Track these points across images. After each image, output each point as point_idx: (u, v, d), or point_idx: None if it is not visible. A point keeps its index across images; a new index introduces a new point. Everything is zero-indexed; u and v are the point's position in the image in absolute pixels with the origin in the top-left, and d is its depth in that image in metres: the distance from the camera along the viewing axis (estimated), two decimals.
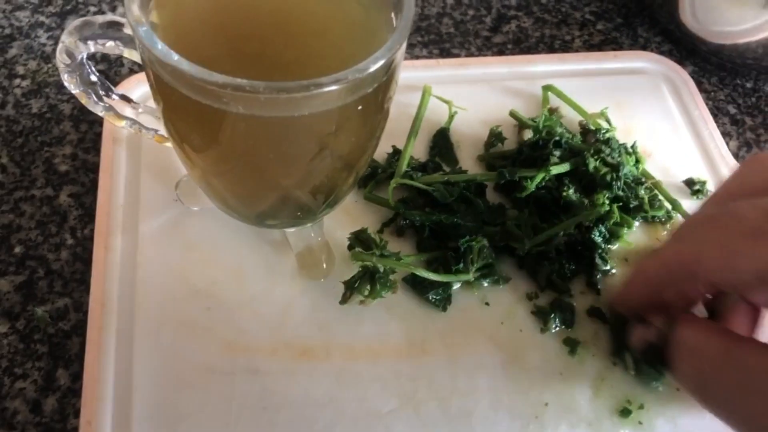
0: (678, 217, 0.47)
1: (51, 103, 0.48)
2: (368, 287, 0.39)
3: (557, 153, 0.45)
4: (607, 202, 0.43)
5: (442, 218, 0.42)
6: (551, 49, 0.57)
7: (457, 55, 0.55)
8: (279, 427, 0.36)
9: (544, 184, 0.44)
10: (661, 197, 0.46)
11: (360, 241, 0.40)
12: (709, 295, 0.35)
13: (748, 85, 0.57)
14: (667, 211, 0.46)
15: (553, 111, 0.49)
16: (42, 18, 0.54)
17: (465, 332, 0.41)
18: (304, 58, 0.33)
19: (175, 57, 0.28)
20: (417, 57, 0.55)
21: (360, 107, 0.31)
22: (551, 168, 0.44)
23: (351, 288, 0.39)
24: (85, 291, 0.40)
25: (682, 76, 0.55)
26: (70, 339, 0.39)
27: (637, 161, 0.47)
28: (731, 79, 0.57)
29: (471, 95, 0.51)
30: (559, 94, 0.51)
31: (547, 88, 0.51)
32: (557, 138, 0.46)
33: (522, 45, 0.57)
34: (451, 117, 0.49)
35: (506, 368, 0.40)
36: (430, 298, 0.41)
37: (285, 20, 0.35)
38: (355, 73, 0.29)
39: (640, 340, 0.36)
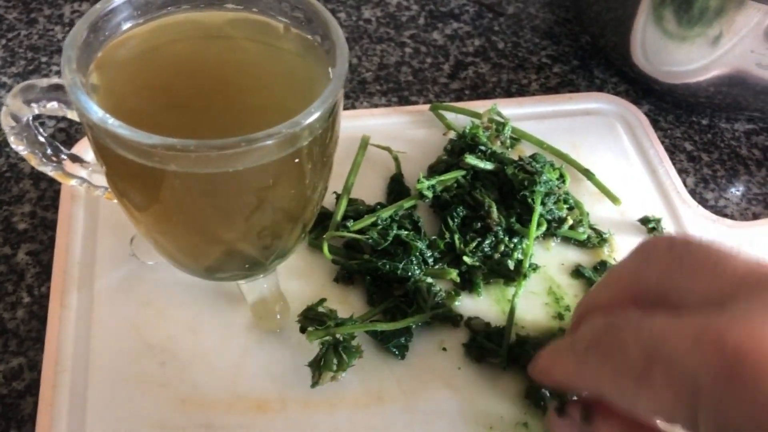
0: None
1: (11, 162, 0.49)
2: (335, 361, 0.39)
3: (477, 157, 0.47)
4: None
5: (379, 265, 0.42)
6: (508, 94, 0.58)
7: (416, 102, 0.56)
8: None
9: (468, 200, 0.46)
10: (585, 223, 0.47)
11: (310, 319, 0.40)
12: None
13: (704, 122, 0.58)
14: (590, 238, 0.47)
15: (489, 125, 0.50)
16: (4, 78, 0.54)
17: (422, 379, 0.41)
18: (246, 114, 0.34)
19: (110, 120, 0.29)
20: (376, 105, 0.56)
21: (297, 160, 0.32)
22: (466, 157, 0.45)
23: (318, 368, 0.39)
24: (40, 349, 0.40)
25: (636, 115, 0.55)
26: (23, 399, 0.39)
27: (562, 177, 0.48)
28: (687, 116, 0.58)
29: (425, 139, 0.52)
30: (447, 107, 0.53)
31: (435, 107, 0.53)
32: (482, 146, 0.47)
33: (479, 90, 0.58)
34: (397, 161, 0.49)
35: (464, 415, 0.39)
36: (391, 348, 0.41)
37: (226, 76, 0.35)
38: (289, 127, 0.29)
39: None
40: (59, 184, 0.47)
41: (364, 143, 0.50)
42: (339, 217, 0.45)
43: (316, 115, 0.30)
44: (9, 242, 0.45)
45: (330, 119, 0.32)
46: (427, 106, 0.53)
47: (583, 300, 0.34)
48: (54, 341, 0.40)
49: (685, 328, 0.25)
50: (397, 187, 0.49)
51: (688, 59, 0.52)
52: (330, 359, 0.39)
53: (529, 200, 0.45)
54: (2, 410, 0.38)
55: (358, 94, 0.57)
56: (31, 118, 0.35)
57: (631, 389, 0.26)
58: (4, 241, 0.45)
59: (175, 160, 0.29)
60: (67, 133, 0.52)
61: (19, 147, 0.36)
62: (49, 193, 0.47)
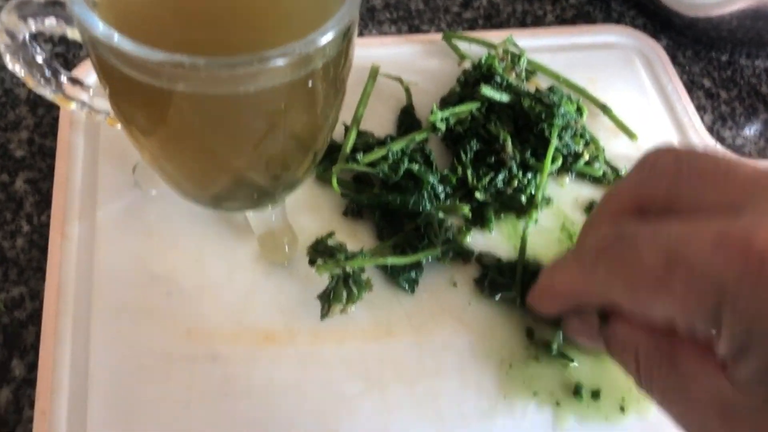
0: None
1: (6, 87, 0.47)
2: (345, 294, 0.38)
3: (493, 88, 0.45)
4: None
5: (389, 199, 0.41)
6: (523, 24, 0.56)
7: (427, 32, 0.54)
8: (241, 414, 0.36)
9: (482, 133, 0.44)
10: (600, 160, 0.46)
11: (319, 252, 0.39)
12: None
13: (724, 58, 0.56)
14: (605, 174, 0.45)
15: (504, 57, 0.48)
16: None
17: (432, 313, 0.40)
18: (257, 31, 0.32)
19: (115, 36, 0.27)
20: (385, 34, 0.54)
21: (310, 84, 0.30)
22: (482, 88, 0.43)
23: (327, 300, 0.38)
24: (41, 279, 0.39)
25: (655, 49, 0.54)
26: (25, 328, 0.38)
27: (579, 110, 0.46)
28: (706, 52, 0.56)
29: (438, 70, 0.50)
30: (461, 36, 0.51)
31: (448, 36, 0.51)
32: (498, 78, 0.45)
33: (493, 20, 0.56)
34: (408, 92, 0.48)
35: (475, 350, 0.39)
36: (401, 282, 0.40)
37: None
38: (303, 46, 0.28)
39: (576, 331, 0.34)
40: (57, 110, 0.46)
41: (374, 73, 0.48)
42: (348, 149, 0.44)
43: (331, 35, 0.28)
44: (6, 169, 0.43)
45: (345, 41, 0.31)
46: (440, 35, 0.51)
47: (588, 219, 0.33)
48: (55, 271, 0.39)
49: (705, 232, 0.24)
50: (407, 120, 0.47)
51: None
52: (339, 292, 0.38)
53: (546, 133, 0.44)
54: (4, 340, 0.38)
55: (366, 21, 0.54)
56: (27, 36, 0.33)
57: (648, 295, 0.25)
58: (1, 168, 0.43)
59: (183, 80, 0.28)
60: (65, 58, 0.49)
61: (15, 67, 0.34)
62: (47, 120, 0.46)
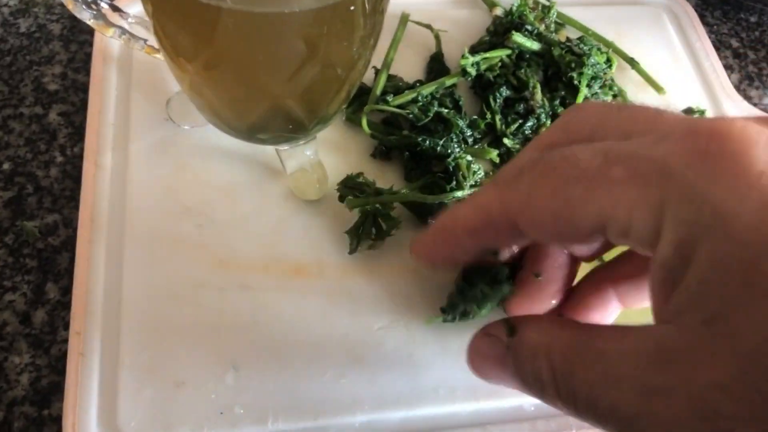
0: None
1: (40, 22, 0.47)
2: (374, 230, 0.38)
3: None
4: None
5: (419, 141, 0.41)
6: None
7: None
8: (269, 340, 0.36)
9: (512, 81, 0.44)
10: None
11: (349, 188, 0.39)
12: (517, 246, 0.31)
13: (752, 19, 0.56)
14: None
15: (534, 7, 0.48)
16: None
17: None
18: None
19: None
20: None
21: (352, 8, 0.30)
22: (513, 35, 0.43)
23: (356, 236, 0.38)
24: (74, 208, 0.40)
25: (684, 7, 0.53)
26: (59, 254, 0.39)
27: (608, 61, 0.46)
28: (735, 12, 0.56)
29: (468, 19, 0.50)
30: None
31: None
32: (528, 26, 0.45)
33: None
34: (437, 39, 0.48)
35: None
36: (429, 221, 0.41)
37: None
38: None
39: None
40: (90, 46, 0.46)
41: (404, 20, 0.48)
42: (378, 91, 0.44)
43: None
44: (40, 102, 0.44)
45: None
46: None
47: (508, 164, 0.29)
48: (89, 199, 0.39)
49: (646, 136, 0.22)
50: (437, 66, 0.47)
51: None
52: (369, 227, 0.38)
53: (576, 82, 0.44)
54: (39, 264, 0.38)
55: None
56: None
57: (581, 195, 0.23)
58: (35, 100, 0.44)
59: None
60: None
61: None
62: (79, 55, 0.46)
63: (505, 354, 0.27)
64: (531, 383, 0.26)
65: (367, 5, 0.31)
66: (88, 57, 0.46)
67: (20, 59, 0.45)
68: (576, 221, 0.23)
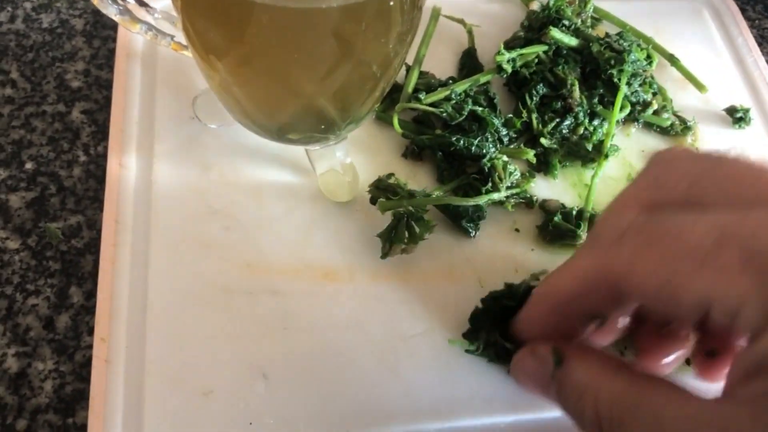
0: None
1: (62, 18, 0.46)
2: (407, 233, 0.37)
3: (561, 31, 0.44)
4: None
5: (453, 140, 0.39)
6: None
7: None
8: (300, 348, 0.35)
9: (548, 78, 0.43)
10: (669, 110, 0.45)
11: (381, 190, 0.38)
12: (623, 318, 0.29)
13: None
14: (673, 125, 0.44)
15: (572, 1, 0.46)
16: None
17: (493, 258, 0.39)
18: None
19: None
20: None
21: (392, 3, 0.29)
22: (551, 31, 0.42)
23: (389, 239, 0.37)
24: (98, 209, 0.39)
25: (725, 2, 0.52)
26: (83, 257, 0.38)
27: (649, 58, 0.44)
28: None
29: (501, 13, 0.48)
30: None
31: None
32: (566, 21, 0.44)
33: None
34: (470, 34, 0.46)
35: None
36: (464, 224, 0.39)
37: None
38: None
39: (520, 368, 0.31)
40: (113, 42, 0.45)
41: (436, 14, 0.46)
42: (410, 89, 0.42)
43: None
44: (63, 100, 0.43)
45: None
46: None
47: (600, 216, 0.30)
48: (113, 200, 0.38)
49: (759, 216, 0.21)
50: (469, 62, 0.46)
51: None
52: (401, 231, 0.37)
53: (615, 80, 0.42)
54: (63, 267, 0.37)
55: None
56: None
57: (688, 273, 0.22)
58: (57, 98, 0.43)
59: None
60: None
61: None
62: (102, 51, 0.45)
63: (549, 380, 0.27)
64: (573, 414, 0.26)
65: (406, 0, 0.30)
66: (112, 53, 0.44)
67: (42, 55, 0.44)
68: (679, 297, 0.22)
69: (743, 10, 0.53)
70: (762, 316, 0.20)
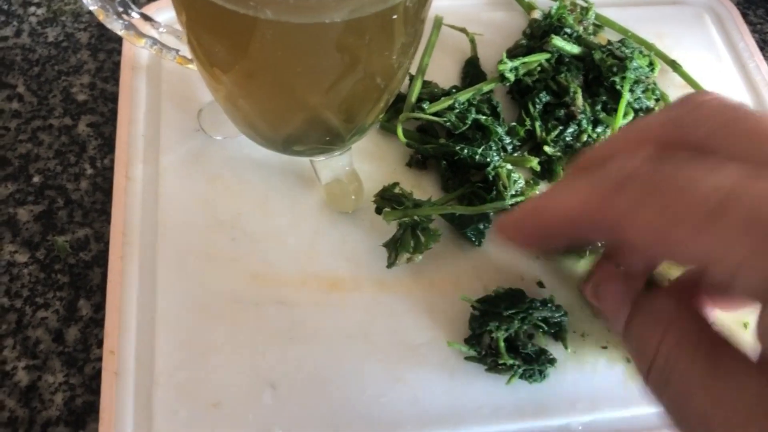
0: None
1: (68, 31, 0.46)
2: (412, 243, 0.37)
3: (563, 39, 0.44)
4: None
5: (457, 149, 0.40)
6: None
7: None
8: (307, 358, 0.35)
9: (551, 86, 0.43)
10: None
11: (386, 200, 0.38)
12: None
13: None
14: None
15: (573, 9, 0.47)
16: None
17: (499, 267, 0.39)
18: None
19: None
20: None
21: (395, 17, 0.29)
22: (553, 39, 0.42)
23: (395, 249, 0.37)
24: (105, 221, 0.39)
25: (726, 6, 0.52)
26: (91, 269, 0.38)
27: (651, 64, 0.45)
28: None
29: (503, 22, 0.49)
30: None
31: None
32: (568, 29, 0.44)
33: None
34: (473, 43, 0.47)
35: None
36: (469, 234, 0.39)
37: None
38: None
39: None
40: (118, 55, 0.45)
41: (438, 23, 0.47)
42: (413, 98, 0.43)
43: None
44: (69, 113, 0.43)
45: None
46: None
47: (606, 139, 0.29)
48: (121, 213, 0.38)
49: None
50: (472, 71, 0.46)
51: None
52: (407, 240, 0.37)
53: (618, 87, 0.42)
54: (71, 280, 0.37)
55: None
56: None
57: (688, 232, 0.21)
58: (64, 111, 0.43)
59: (270, 5, 0.27)
60: None
61: (88, 2, 0.34)
62: (108, 64, 0.45)
63: (624, 297, 0.25)
64: (634, 349, 0.24)
65: (409, 13, 0.30)
66: (117, 66, 0.45)
67: (48, 69, 0.45)
68: (675, 255, 0.21)
69: (744, 15, 0.53)
70: (761, 284, 0.19)
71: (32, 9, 0.47)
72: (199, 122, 0.41)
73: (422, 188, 0.41)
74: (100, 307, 0.37)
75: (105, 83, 0.44)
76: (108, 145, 0.42)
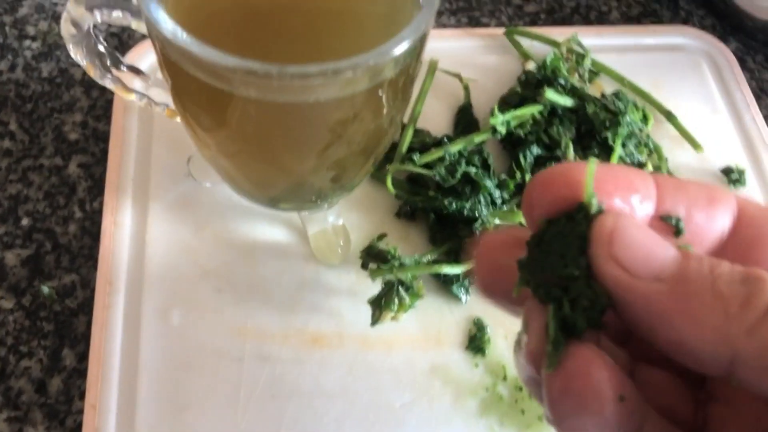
0: None
1: (62, 66, 0.46)
2: (396, 301, 0.37)
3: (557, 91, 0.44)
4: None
5: (445, 203, 0.40)
6: (586, 20, 0.54)
7: (487, 25, 0.53)
8: (288, 416, 0.35)
9: (543, 138, 0.43)
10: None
11: (372, 256, 0.38)
12: None
13: None
14: None
15: (569, 56, 0.46)
16: None
17: (484, 324, 0.39)
18: (323, 37, 0.31)
19: (183, 36, 0.26)
20: (444, 26, 0.52)
21: (380, 92, 0.29)
22: (546, 92, 0.42)
23: (379, 306, 0.37)
24: (93, 267, 0.39)
25: (724, 54, 0.51)
26: (76, 317, 0.38)
27: (645, 118, 0.45)
28: None
29: (498, 66, 0.48)
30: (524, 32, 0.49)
31: (511, 32, 0.49)
32: (561, 80, 0.44)
33: (555, 15, 0.54)
34: (467, 90, 0.46)
35: None
36: (454, 290, 0.39)
37: None
38: (377, 57, 0.27)
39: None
40: (111, 93, 0.45)
41: (433, 68, 0.46)
42: (404, 149, 0.42)
43: (405, 45, 0.27)
44: (60, 153, 0.43)
45: (419, 48, 0.29)
46: (501, 30, 0.50)
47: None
48: (107, 260, 0.39)
49: None
50: (465, 118, 0.46)
51: None
52: (391, 299, 0.37)
53: (610, 141, 0.42)
54: (56, 328, 0.38)
55: None
56: (92, 26, 0.32)
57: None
58: (55, 151, 0.43)
59: (253, 86, 0.27)
60: (119, 39, 0.49)
61: (78, 56, 0.34)
62: (100, 102, 0.45)
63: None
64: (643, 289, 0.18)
65: (396, 85, 0.30)
66: (109, 104, 0.45)
67: (41, 106, 0.45)
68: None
69: (743, 61, 0.53)
70: None
71: (27, 42, 0.47)
72: (188, 168, 0.41)
73: (410, 240, 0.41)
74: (84, 357, 0.37)
75: (97, 122, 0.44)
76: (98, 187, 0.42)
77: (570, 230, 0.19)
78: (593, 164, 0.19)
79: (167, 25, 0.26)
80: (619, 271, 0.18)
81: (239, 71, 0.26)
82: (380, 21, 0.32)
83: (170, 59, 0.28)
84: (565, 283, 0.19)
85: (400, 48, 0.27)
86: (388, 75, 0.28)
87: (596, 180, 0.19)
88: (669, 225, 0.20)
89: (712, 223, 0.20)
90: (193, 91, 0.29)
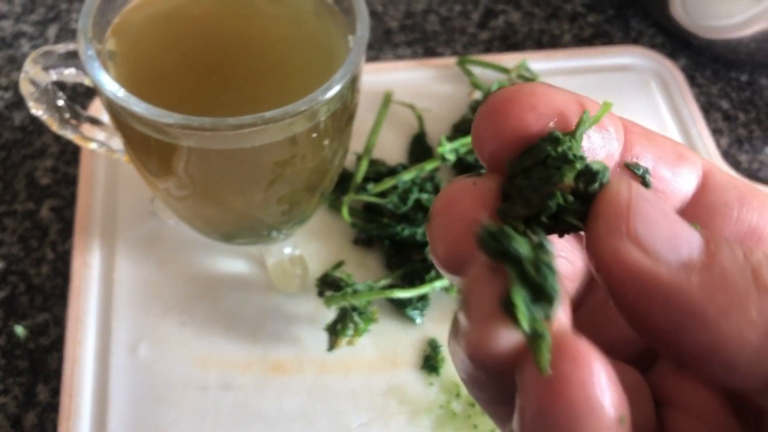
0: None
1: (33, 114, 0.49)
2: (351, 326, 0.39)
3: None
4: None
5: (398, 230, 0.41)
6: (539, 45, 0.56)
7: (442, 54, 0.55)
8: None
9: None
10: None
11: (327, 284, 0.40)
12: None
13: (743, 78, 0.56)
14: None
15: (517, 82, 0.49)
16: (25, 27, 0.54)
17: (438, 343, 0.41)
18: (263, 86, 0.33)
19: (124, 96, 0.28)
20: (401, 57, 0.54)
21: (315, 135, 0.31)
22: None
23: (334, 332, 0.39)
24: (65, 306, 0.41)
25: (672, 72, 0.53)
26: (50, 354, 0.40)
27: None
28: (725, 72, 0.56)
29: (452, 94, 0.50)
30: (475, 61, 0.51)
31: (463, 61, 0.51)
32: None
33: (509, 41, 0.56)
34: (420, 119, 0.48)
35: None
36: (408, 313, 0.41)
37: (245, 46, 0.35)
38: (307, 103, 0.29)
39: None
40: None
41: (387, 100, 0.49)
42: (359, 179, 0.45)
43: (335, 90, 0.29)
44: (33, 198, 0.45)
45: (351, 88, 0.32)
46: (454, 60, 0.52)
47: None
48: (77, 300, 0.41)
49: None
50: (419, 147, 0.48)
51: (730, 13, 0.49)
52: (346, 324, 0.39)
53: None
54: (30, 365, 0.40)
55: (382, 44, 0.55)
56: (50, 83, 0.35)
57: None
58: (28, 196, 0.45)
59: (192, 137, 0.29)
60: (87, 87, 0.51)
61: (38, 112, 0.36)
62: (70, 147, 0.48)
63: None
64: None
65: (332, 125, 0.32)
66: (78, 149, 0.47)
67: (14, 154, 0.47)
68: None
69: (691, 77, 0.55)
70: None
71: (0, 93, 0.50)
72: (152, 207, 0.43)
73: (367, 266, 0.43)
74: (57, 392, 0.39)
75: (67, 166, 0.47)
76: (68, 228, 0.44)
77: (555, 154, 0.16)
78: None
79: (110, 86, 0.29)
80: (640, 254, 0.14)
81: (176, 126, 0.28)
82: (318, 66, 0.34)
83: (116, 115, 0.30)
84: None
85: (329, 94, 0.29)
86: (321, 117, 0.30)
87: (557, 108, 0.17)
88: (634, 174, 0.18)
89: (677, 182, 0.18)
90: (140, 142, 0.31)
